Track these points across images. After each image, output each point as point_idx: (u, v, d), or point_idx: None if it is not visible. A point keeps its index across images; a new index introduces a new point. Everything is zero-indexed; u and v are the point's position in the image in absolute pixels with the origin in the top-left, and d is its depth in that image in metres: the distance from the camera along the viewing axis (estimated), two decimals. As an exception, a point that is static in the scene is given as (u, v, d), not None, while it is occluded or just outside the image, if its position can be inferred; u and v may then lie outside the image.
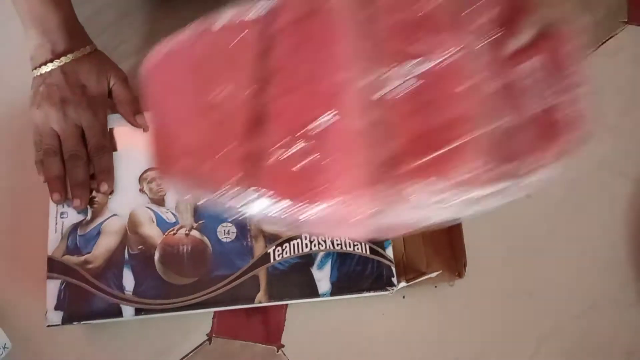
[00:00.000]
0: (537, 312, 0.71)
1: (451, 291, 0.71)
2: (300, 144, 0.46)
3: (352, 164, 0.45)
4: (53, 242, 0.65)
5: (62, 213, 0.66)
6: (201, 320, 0.71)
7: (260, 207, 0.47)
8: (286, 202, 0.46)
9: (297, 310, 0.71)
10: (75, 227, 0.66)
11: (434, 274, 0.67)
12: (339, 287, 0.64)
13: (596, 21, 0.85)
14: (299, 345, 0.70)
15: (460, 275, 0.68)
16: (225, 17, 0.52)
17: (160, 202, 0.68)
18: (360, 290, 0.64)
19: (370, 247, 0.66)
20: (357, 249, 0.66)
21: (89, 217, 0.66)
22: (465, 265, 0.67)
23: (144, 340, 0.70)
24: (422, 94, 0.46)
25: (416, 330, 0.71)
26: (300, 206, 0.46)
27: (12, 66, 0.82)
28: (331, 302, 0.69)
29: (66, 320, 0.62)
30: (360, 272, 0.64)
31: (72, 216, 0.66)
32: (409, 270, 0.68)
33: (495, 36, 0.48)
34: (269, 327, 0.71)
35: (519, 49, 0.49)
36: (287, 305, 0.71)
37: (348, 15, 0.49)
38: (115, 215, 0.66)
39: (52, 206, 0.67)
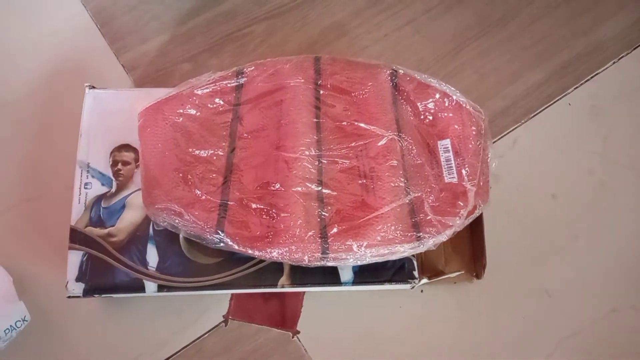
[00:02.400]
0: (556, 313, 0.71)
1: (470, 288, 0.71)
2: (259, 203, 0.60)
3: (297, 222, 0.58)
4: (76, 213, 0.65)
5: (86, 184, 0.66)
6: (218, 302, 0.71)
7: (230, 247, 0.59)
8: (247, 247, 0.58)
9: (315, 298, 0.71)
10: (99, 198, 0.65)
11: (454, 274, 0.67)
12: (361, 277, 0.63)
13: (632, 23, 0.85)
14: (314, 333, 0.70)
15: (478, 276, 0.68)
16: (208, 81, 0.65)
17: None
18: (382, 281, 0.63)
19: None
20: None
21: (113, 189, 0.66)
22: (484, 267, 0.66)
23: (161, 318, 0.70)
24: (354, 169, 0.62)
25: (433, 324, 0.71)
26: (258, 250, 0.58)
27: (40, 42, 0.82)
28: (349, 292, 0.69)
29: (88, 293, 0.62)
30: (383, 263, 0.63)
31: (96, 187, 0.66)
32: (427, 268, 0.67)
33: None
34: (285, 313, 0.71)
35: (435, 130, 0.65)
36: (304, 292, 0.71)
37: (303, 94, 0.64)
38: (141, 189, 0.64)
39: (77, 177, 0.66)
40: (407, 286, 0.64)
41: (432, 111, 0.66)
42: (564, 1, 0.86)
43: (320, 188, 0.60)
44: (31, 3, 0.84)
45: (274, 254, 0.58)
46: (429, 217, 0.60)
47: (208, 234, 0.59)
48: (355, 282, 0.63)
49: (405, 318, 0.71)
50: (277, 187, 0.60)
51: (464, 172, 0.63)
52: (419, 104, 0.65)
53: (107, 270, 0.62)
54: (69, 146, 0.68)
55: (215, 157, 0.63)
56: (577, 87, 0.81)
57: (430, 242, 0.59)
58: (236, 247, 0.58)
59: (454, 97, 0.65)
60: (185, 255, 0.63)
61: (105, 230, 0.64)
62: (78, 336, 0.69)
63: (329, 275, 0.63)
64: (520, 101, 0.80)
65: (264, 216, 0.60)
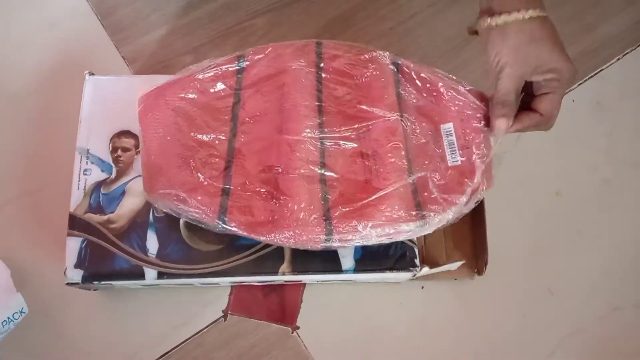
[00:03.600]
0: (558, 311, 0.70)
1: (471, 285, 0.70)
2: (262, 187, 0.60)
3: (300, 206, 0.58)
4: (75, 199, 0.64)
5: (85, 170, 0.65)
6: (218, 296, 0.70)
7: (233, 232, 0.58)
8: (251, 232, 0.58)
9: (314, 293, 0.70)
10: (98, 185, 0.64)
11: (455, 264, 0.66)
12: (363, 264, 0.63)
13: (637, 20, 0.85)
14: (314, 329, 0.69)
15: (479, 272, 0.67)
16: (209, 66, 0.65)
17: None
18: (383, 269, 0.63)
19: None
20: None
21: (113, 175, 0.65)
22: (486, 264, 0.66)
23: (160, 312, 0.69)
24: (357, 150, 0.61)
25: (434, 321, 0.70)
26: (261, 235, 0.57)
27: (40, 34, 0.82)
28: (349, 287, 0.69)
29: (86, 279, 0.61)
30: (384, 251, 0.63)
31: (96, 174, 0.65)
32: (428, 263, 0.66)
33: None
34: (284, 308, 0.70)
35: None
36: (304, 287, 0.70)
37: (305, 77, 0.64)
38: (141, 175, 0.63)
39: (76, 163, 0.65)
40: (408, 274, 0.63)
41: (434, 94, 0.65)
42: (569, -2, 0.86)
43: (323, 170, 0.60)
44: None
45: (278, 238, 0.57)
46: (433, 195, 0.59)
47: (211, 219, 0.58)
48: (356, 269, 0.62)
49: (406, 314, 0.70)
50: (280, 170, 0.60)
51: (471, 149, 0.61)
52: (421, 85, 0.65)
53: (106, 257, 0.61)
54: (70, 138, 0.67)
55: (217, 142, 0.62)
56: (581, 84, 0.81)
57: (435, 221, 0.58)
58: (240, 232, 0.57)
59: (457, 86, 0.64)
60: (186, 242, 0.62)
61: (105, 217, 0.63)
62: (76, 329, 0.68)
63: (330, 263, 0.62)
64: (525, 97, 0.80)
65: (268, 200, 0.59)
